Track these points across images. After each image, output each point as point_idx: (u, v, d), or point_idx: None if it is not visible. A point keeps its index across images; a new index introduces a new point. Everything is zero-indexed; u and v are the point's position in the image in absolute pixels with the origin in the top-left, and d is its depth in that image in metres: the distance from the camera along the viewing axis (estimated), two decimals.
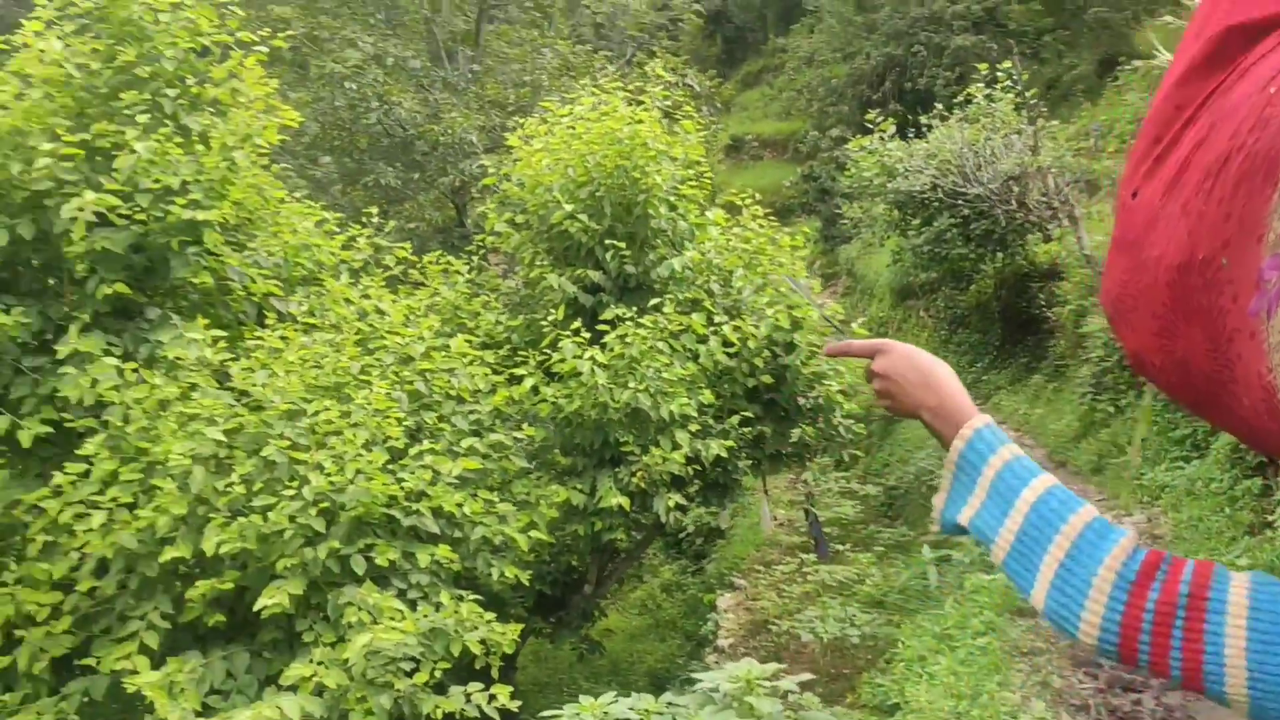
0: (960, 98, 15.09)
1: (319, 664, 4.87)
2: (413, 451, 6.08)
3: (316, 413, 5.84)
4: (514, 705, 5.00)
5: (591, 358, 7.22)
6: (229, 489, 5.35)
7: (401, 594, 5.53)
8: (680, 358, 7.57)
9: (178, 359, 5.92)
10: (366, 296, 7.53)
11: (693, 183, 8.72)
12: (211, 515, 5.33)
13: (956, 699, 5.60)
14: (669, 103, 9.07)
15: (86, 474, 5.44)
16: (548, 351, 7.59)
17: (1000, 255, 15.49)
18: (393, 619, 5.01)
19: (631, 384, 7.15)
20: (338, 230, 8.18)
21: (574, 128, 8.41)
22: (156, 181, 5.95)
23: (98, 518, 5.20)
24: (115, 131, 6.08)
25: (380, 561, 5.42)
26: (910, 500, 13.16)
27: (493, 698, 4.94)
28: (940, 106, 15.60)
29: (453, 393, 7.06)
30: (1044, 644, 6.25)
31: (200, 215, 6.00)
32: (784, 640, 9.13)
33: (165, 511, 5.20)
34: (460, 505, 6.03)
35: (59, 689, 5.31)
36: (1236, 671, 0.90)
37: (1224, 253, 0.78)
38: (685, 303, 8.17)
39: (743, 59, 42.41)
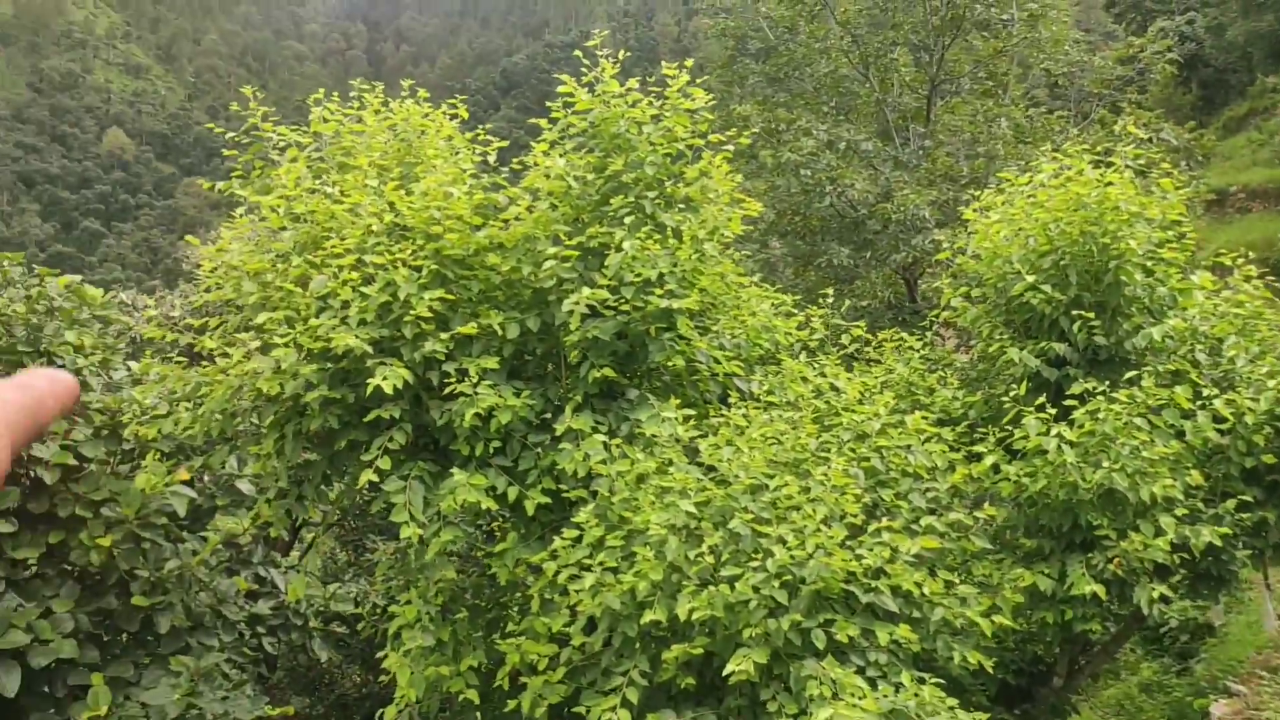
0: None
1: None
2: (871, 528, 6.12)
3: (778, 488, 6.09)
4: None
5: (1058, 434, 6.84)
6: (699, 558, 5.72)
7: (860, 671, 5.55)
8: (1162, 435, 6.94)
9: (654, 436, 6.48)
10: (822, 374, 7.76)
11: (1173, 244, 8.03)
12: (684, 583, 5.72)
13: None
14: (1141, 161, 8.46)
15: (579, 539, 6.10)
16: (1009, 428, 7.31)
17: None
18: (854, 695, 5.05)
19: (1105, 463, 6.67)
20: (794, 311, 8.53)
21: (1034, 196, 8.12)
22: (638, 275, 6.62)
23: (588, 579, 5.79)
24: (605, 233, 6.86)
25: (840, 637, 5.49)
26: None
27: None
28: None
29: (909, 470, 7.02)
30: None
31: (675, 304, 6.57)
32: None
33: (645, 577, 5.67)
34: (919, 584, 5.95)
35: None
36: None
37: None
38: (1166, 375, 7.50)
39: (1223, 104, 38.40)
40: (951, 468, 7.15)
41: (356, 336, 6.17)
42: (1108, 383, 7.17)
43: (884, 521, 6.15)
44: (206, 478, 8.88)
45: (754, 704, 5.63)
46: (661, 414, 6.57)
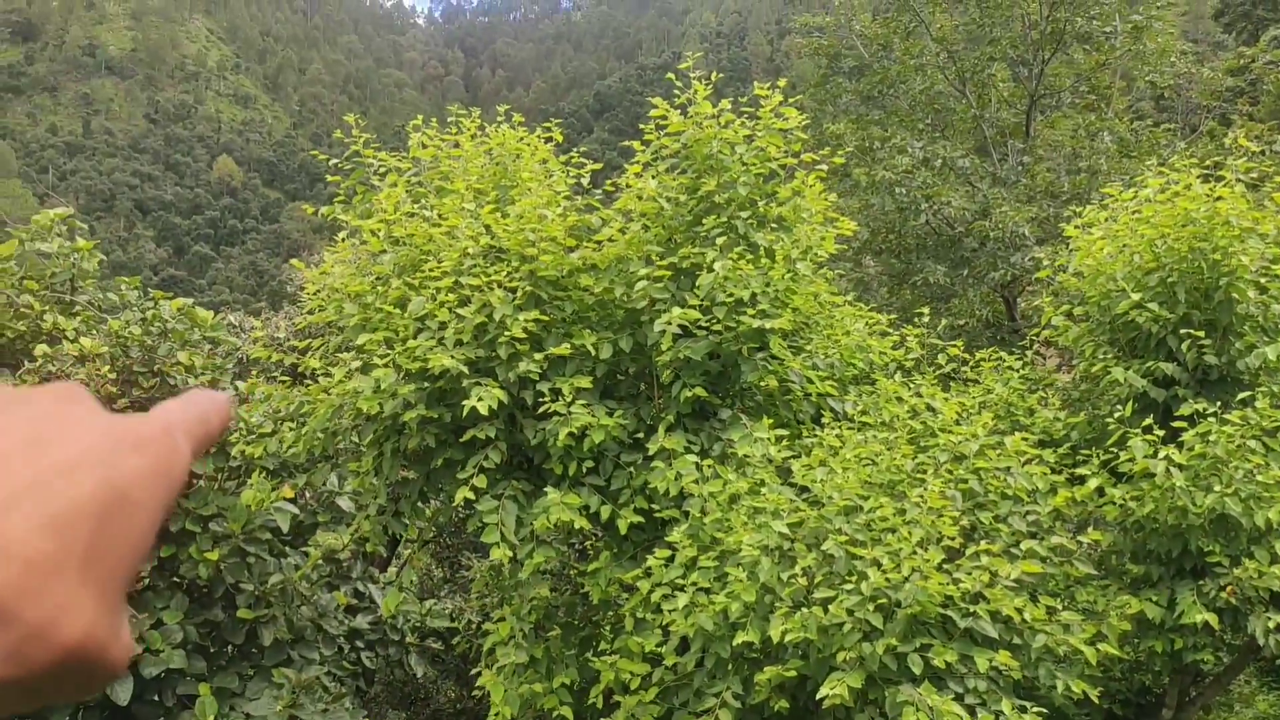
0: None
1: None
2: (969, 551, 5.99)
3: (872, 509, 6.00)
4: None
5: (1167, 457, 6.62)
6: (792, 580, 5.67)
7: (958, 698, 5.42)
8: (1278, 459, 6.66)
9: (746, 456, 6.45)
10: (918, 394, 7.64)
11: None
12: (777, 604, 5.67)
13: None
14: (1253, 174, 8.16)
15: (671, 559, 6.10)
16: (1114, 450, 7.09)
17: None
18: None
19: (1217, 487, 6.42)
20: (888, 330, 8.42)
21: (1140, 211, 7.89)
22: (730, 295, 6.61)
23: (681, 599, 5.78)
24: (697, 253, 6.88)
25: (937, 662, 5.38)
26: None
27: None
28: None
29: (1009, 492, 6.85)
30: None
31: (767, 324, 6.54)
32: None
33: (737, 598, 5.64)
34: (1020, 610, 5.80)
35: None
36: None
37: None
38: None
39: None
40: (1053, 490, 6.95)
41: (453, 357, 6.29)
42: (1219, 404, 6.92)
43: (982, 545, 6.01)
44: (308, 494, 9.12)
45: None
46: (754, 434, 6.55)
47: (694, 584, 5.84)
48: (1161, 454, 6.64)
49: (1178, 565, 6.81)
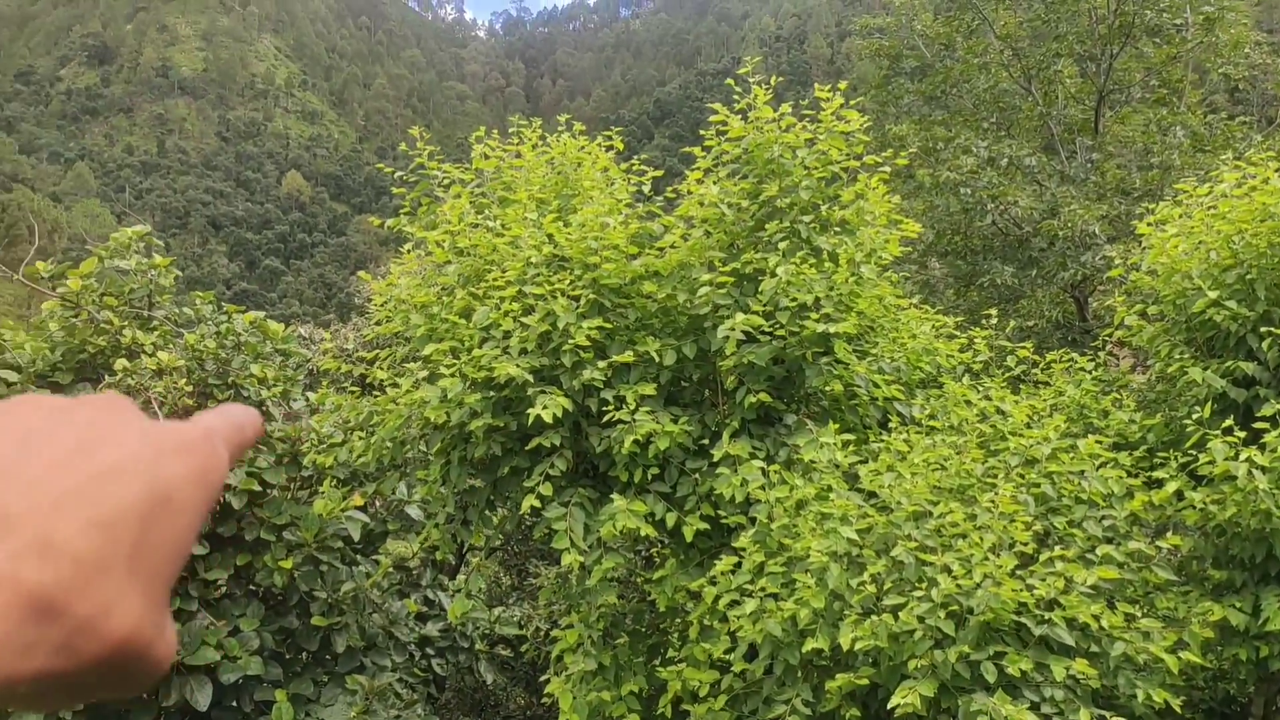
0: None
1: None
2: (1043, 557, 5.86)
3: (942, 515, 5.92)
4: None
5: (1248, 459, 6.42)
6: (861, 587, 5.60)
7: (1034, 707, 5.31)
8: None
9: (812, 462, 6.40)
10: (987, 398, 7.51)
11: None
12: (846, 611, 5.62)
13: None
14: None
15: (738, 565, 6.07)
16: (1192, 453, 6.90)
17: None
18: None
19: None
20: (955, 333, 8.29)
21: (1215, 207, 7.69)
22: (793, 300, 6.57)
23: (749, 606, 5.75)
24: (760, 259, 6.85)
25: (1011, 671, 5.27)
26: None
27: None
28: None
29: (1083, 496, 6.70)
30: None
31: (831, 328, 6.49)
32: None
33: (806, 604, 5.59)
34: (1097, 617, 5.66)
35: None
36: None
37: None
38: None
39: None
40: (1130, 494, 6.78)
41: (518, 365, 6.34)
42: None
43: (1057, 550, 5.89)
44: (378, 503, 9.25)
45: None
46: (820, 439, 6.49)
47: (761, 590, 5.81)
48: (1243, 456, 6.44)
49: (1262, 570, 6.60)
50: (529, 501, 6.28)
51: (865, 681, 5.49)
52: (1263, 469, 6.37)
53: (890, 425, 7.12)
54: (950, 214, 17.60)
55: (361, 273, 9.07)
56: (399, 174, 8.29)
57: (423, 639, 9.58)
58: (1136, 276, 8.36)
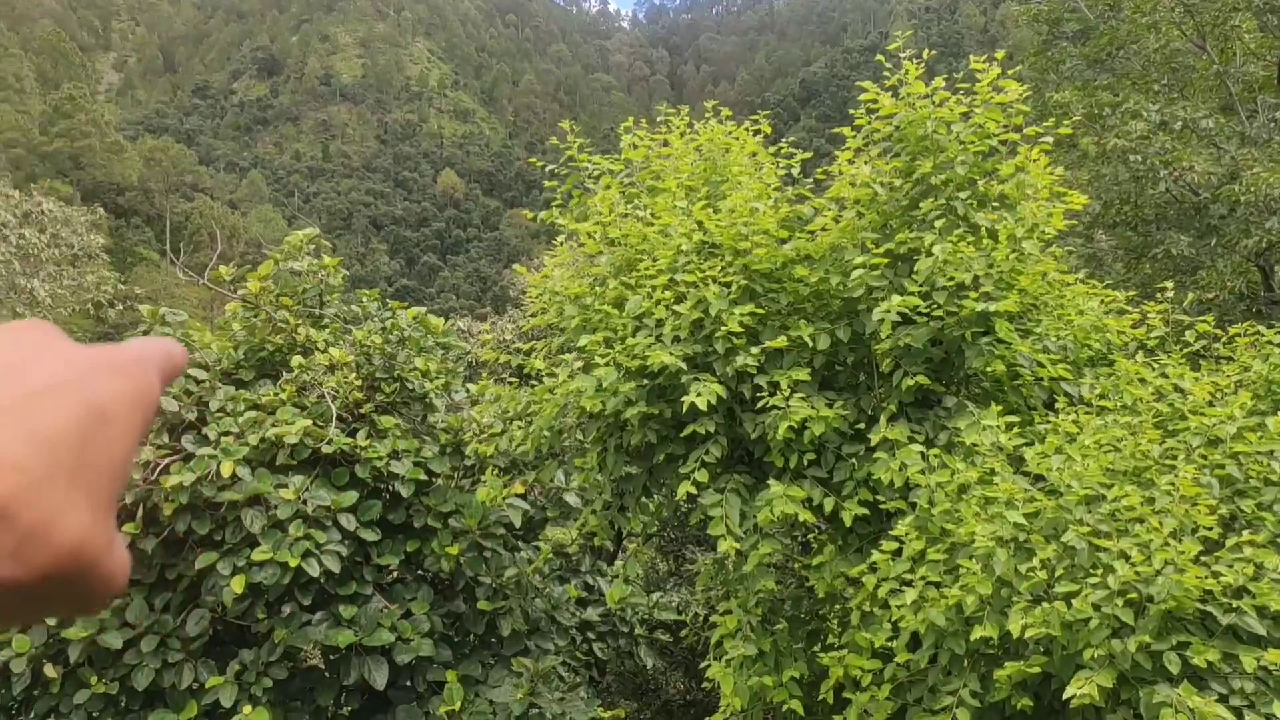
0: None
1: None
2: (1229, 542, 5.53)
3: (1117, 498, 5.65)
4: None
5: None
6: (1031, 573, 5.41)
7: (1223, 699, 5.02)
8: None
9: (974, 445, 6.20)
10: (1164, 375, 7.12)
11: None
12: (1014, 598, 5.43)
13: None
14: None
15: (898, 552, 5.95)
16: None
17: None
18: None
19: None
20: (1127, 308, 7.89)
21: None
22: (951, 279, 6.39)
23: (910, 594, 5.63)
24: (915, 238, 6.68)
25: (1196, 661, 5.00)
26: None
27: None
28: None
29: (1273, 478, 6.29)
30: None
31: (992, 307, 6.28)
32: None
33: (971, 591, 5.44)
34: None
35: None
36: None
37: None
38: None
39: None
40: None
41: (671, 353, 6.37)
42: None
43: (1245, 535, 5.54)
44: (537, 491, 9.47)
45: None
46: (982, 421, 6.29)
47: (922, 578, 5.68)
48: None
49: None
50: (684, 488, 6.31)
51: (1037, 670, 5.31)
52: None
53: (1057, 406, 6.84)
54: (1119, 183, 16.73)
55: (516, 266, 9.29)
56: (549, 167, 8.45)
57: (583, 623, 9.76)
58: None
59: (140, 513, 7.61)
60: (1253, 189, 14.95)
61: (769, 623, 7.19)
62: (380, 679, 7.85)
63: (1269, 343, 8.16)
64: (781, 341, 6.56)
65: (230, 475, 7.60)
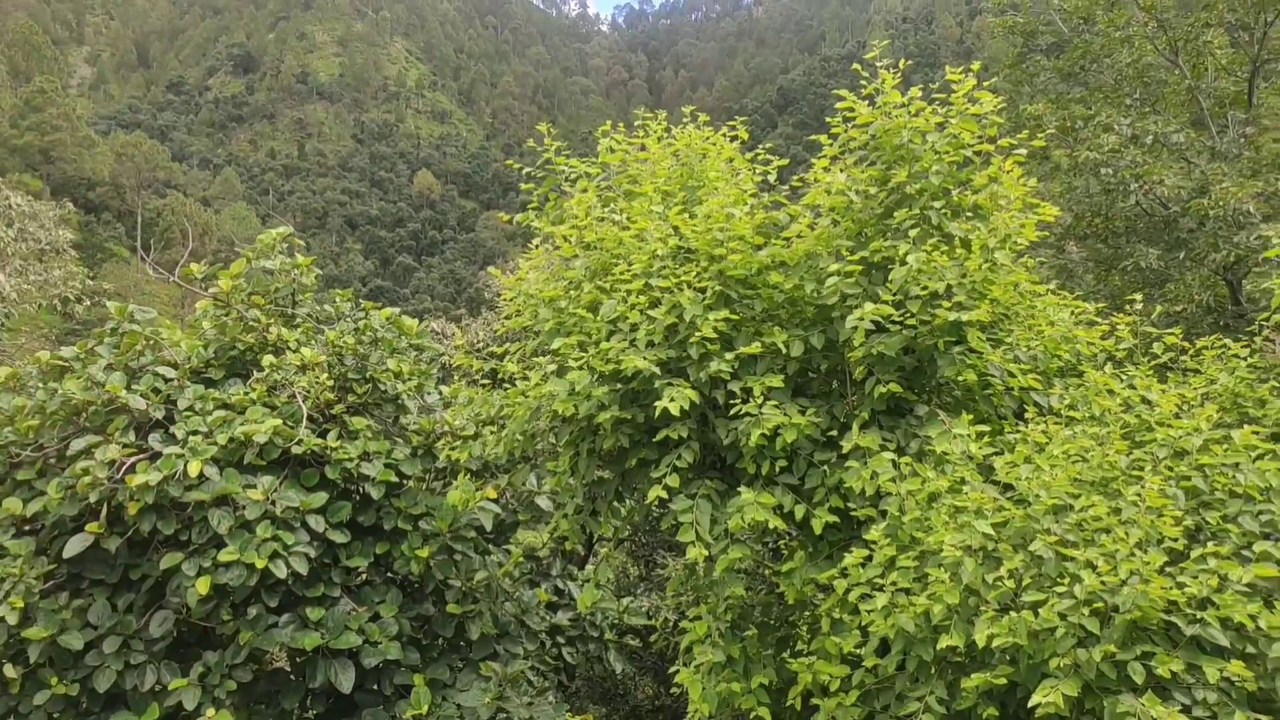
0: None
1: None
2: (1194, 554, 5.59)
3: (1084, 509, 5.69)
4: None
5: None
6: (998, 582, 5.44)
7: (1186, 710, 5.07)
8: None
9: (945, 453, 6.24)
10: (1132, 386, 7.19)
11: None
12: (982, 607, 5.46)
13: None
14: None
15: (869, 559, 5.97)
16: None
17: None
18: None
19: None
20: (1096, 319, 7.96)
21: None
22: (924, 288, 6.42)
23: (880, 600, 5.65)
24: (889, 246, 6.71)
25: (1161, 671, 5.04)
26: None
27: None
28: None
29: (1238, 490, 6.36)
30: None
31: (964, 316, 6.32)
32: None
33: (939, 599, 5.46)
34: (1254, 617, 5.37)
35: None
36: None
37: None
38: None
39: None
40: None
41: (645, 358, 6.37)
42: None
43: (1210, 547, 5.60)
44: (508, 494, 9.44)
45: None
46: (953, 430, 6.33)
47: (893, 584, 5.70)
48: None
49: None
50: (656, 493, 6.31)
51: (1003, 681, 5.33)
52: None
53: (1027, 416, 6.89)
54: (1090, 195, 16.89)
55: (491, 268, 9.27)
56: (526, 170, 8.43)
57: (553, 628, 9.74)
58: None
59: (105, 512, 7.52)
60: (1221, 203, 15.13)
61: (738, 629, 7.19)
62: (347, 682, 7.79)
63: (1235, 356, 8.26)
64: (755, 348, 6.57)
65: (198, 475, 7.53)
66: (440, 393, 9.27)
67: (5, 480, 7.96)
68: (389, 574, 8.71)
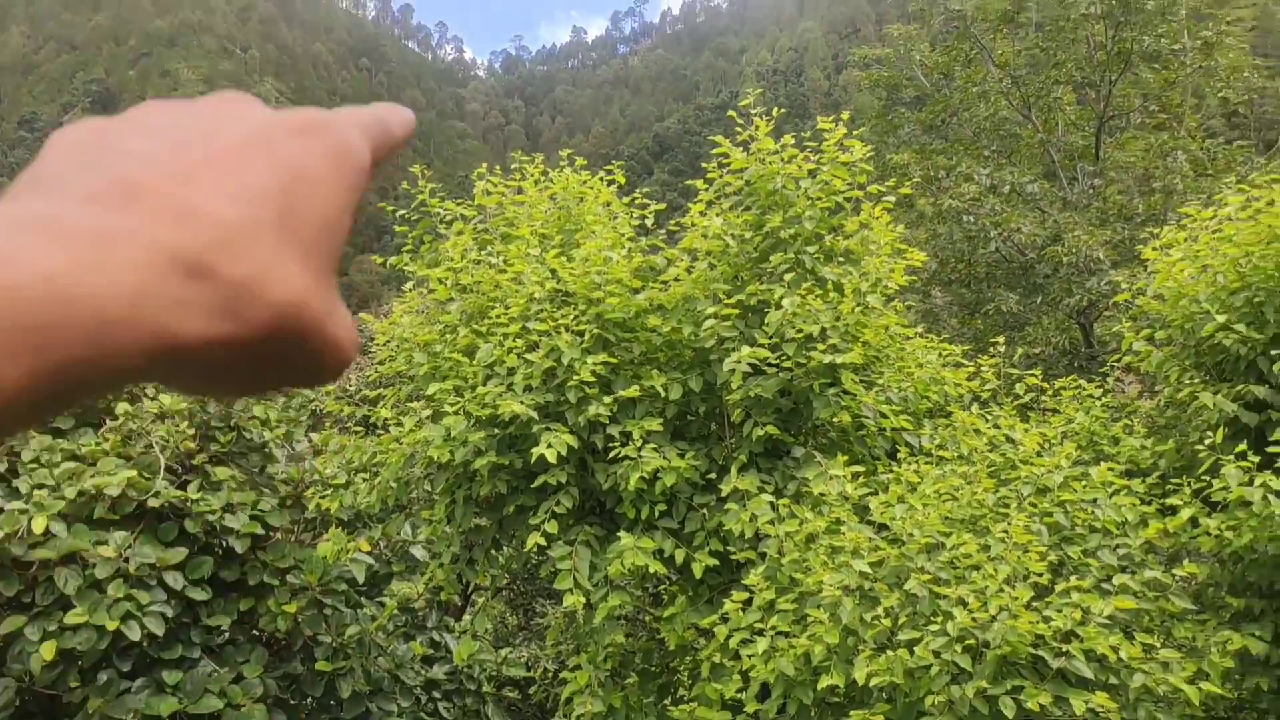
0: None
1: None
2: (1058, 588, 5.76)
3: (955, 546, 5.82)
4: None
5: (1264, 484, 6.32)
6: (875, 621, 5.50)
7: None
8: None
9: (822, 494, 6.30)
10: (997, 426, 7.43)
11: None
12: (860, 647, 5.51)
13: None
14: None
15: (749, 602, 5.96)
16: (1206, 478, 6.80)
17: None
18: None
19: None
20: (962, 361, 8.23)
21: (1221, 230, 7.64)
22: (799, 331, 6.51)
23: (760, 644, 5.64)
24: (765, 290, 6.80)
25: (1030, 705, 5.15)
26: None
27: None
28: None
29: (1097, 525, 6.60)
30: None
31: (838, 358, 6.43)
32: None
33: (819, 640, 5.48)
34: (1115, 648, 5.55)
35: None
36: None
37: None
38: None
39: None
40: (1144, 522, 6.69)
41: (522, 403, 6.28)
42: None
43: (1072, 581, 5.79)
44: (383, 544, 9.15)
45: None
46: (829, 471, 6.41)
47: (773, 628, 5.70)
48: (1258, 481, 6.35)
49: None
50: (534, 539, 6.19)
51: (881, 718, 5.38)
52: (1278, 494, 6.28)
53: (899, 456, 7.04)
54: (953, 242, 17.58)
55: (363, 314, 9.04)
56: (401, 213, 8.28)
57: (429, 682, 9.43)
58: (1143, 301, 8.29)
59: None
60: (1074, 250, 15.91)
61: (620, 676, 7.09)
62: None
63: (1090, 396, 8.63)
64: (634, 391, 6.54)
65: (43, 531, 7.06)
66: (310, 440, 8.95)
67: None
68: (254, 632, 8.31)
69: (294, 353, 0.47)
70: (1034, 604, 5.59)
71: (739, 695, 5.98)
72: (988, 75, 19.94)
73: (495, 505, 6.88)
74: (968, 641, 5.31)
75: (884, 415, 7.06)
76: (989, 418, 7.54)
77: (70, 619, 6.87)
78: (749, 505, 6.21)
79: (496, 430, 6.49)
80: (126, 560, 7.26)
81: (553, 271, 6.97)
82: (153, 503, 7.60)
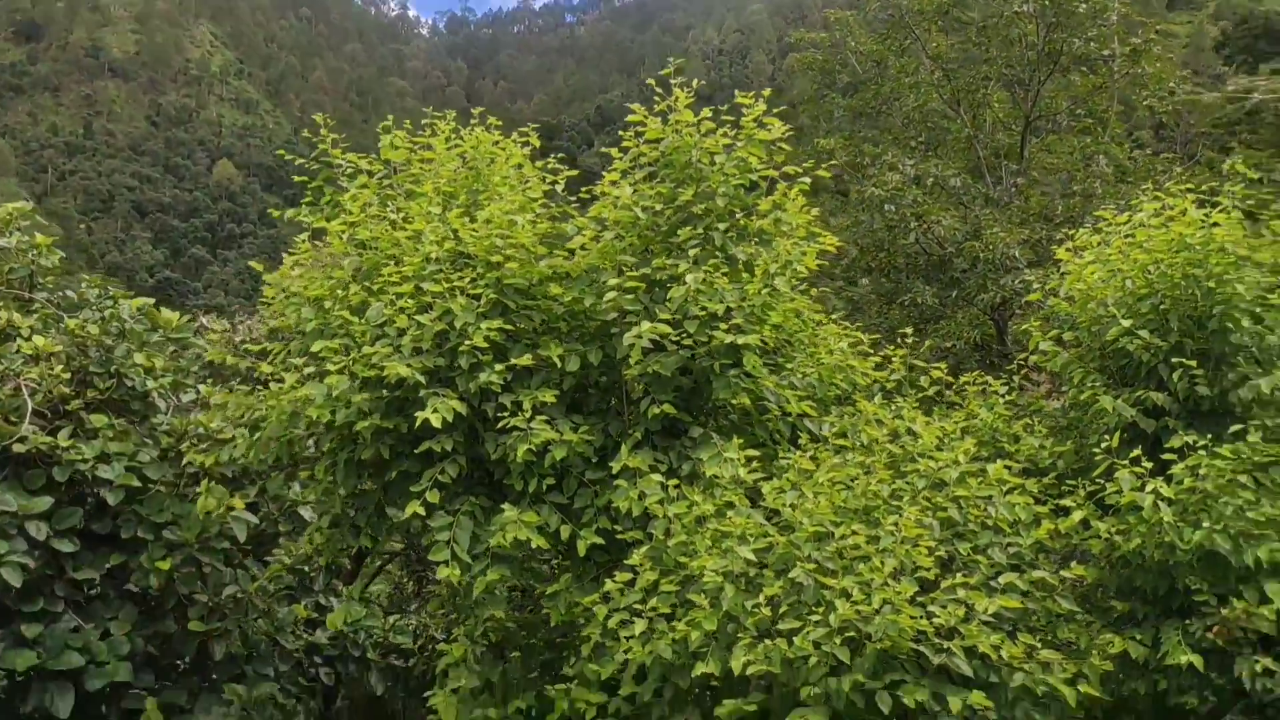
0: None
1: None
2: (945, 584, 5.71)
3: (844, 536, 5.73)
4: None
5: (1155, 490, 6.35)
6: (757, 609, 5.38)
7: None
8: (1270, 495, 6.39)
9: (715, 477, 6.17)
10: (899, 417, 7.36)
11: None
12: (740, 634, 5.39)
13: None
14: (1251, 202, 7.90)
15: (631, 583, 5.81)
16: (1100, 481, 6.82)
17: None
18: None
19: (1205, 523, 6.15)
20: (871, 350, 8.15)
21: (1133, 235, 7.65)
22: (703, 309, 6.35)
23: (639, 625, 5.50)
24: (671, 265, 6.62)
25: (908, 701, 5.10)
26: None
27: None
28: None
29: (989, 522, 6.58)
30: None
31: (741, 339, 6.28)
32: None
33: (699, 626, 5.36)
34: (997, 647, 5.52)
35: None
36: None
37: None
38: (1275, 430, 6.93)
39: None
40: (1036, 522, 6.68)
41: (409, 365, 6.03)
42: (1210, 436, 6.65)
43: (959, 577, 5.74)
44: (272, 504, 8.82)
45: None
46: (724, 454, 6.27)
47: (653, 610, 5.56)
48: (1149, 487, 6.37)
49: (1164, 603, 6.53)
50: (413, 508, 5.96)
51: (754, 708, 5.28)
52: (1168, 501, 6.30)
53: (800, 442, 6.93)
54: (874, 230, 17.63)
55: (253, 262, 8.66)
56: (299, 161, 7.92)
57: (311, 646, 9.15)
58: (1054, 302, 8.30)
59: None
60: (991, 247, 16.04)
61: (503, 651, 6.91)
62: (64, 707, 7.05)
63: (994, 393, 8.63)
64: (527, 359, 6.33)
65: None
66: (197, 392, 8.57)
67: None
68: (125, 587, 7.95)
69: None
70: (919, 599, 5.53)
71: (617, 677, 5.84)
72: (920, 66, 20.00)
73: (380, 470, 6.63)
74: (849, 634, 5.23)
75: (787, 400, 6.94)
76: (893, 409, 7.48)
77: None
78: (639, 483, 6.06)
79: (383, 392, 6.23)
80: None
81: (454, 231, 6.71)
82: (18, 447, 7.20)
